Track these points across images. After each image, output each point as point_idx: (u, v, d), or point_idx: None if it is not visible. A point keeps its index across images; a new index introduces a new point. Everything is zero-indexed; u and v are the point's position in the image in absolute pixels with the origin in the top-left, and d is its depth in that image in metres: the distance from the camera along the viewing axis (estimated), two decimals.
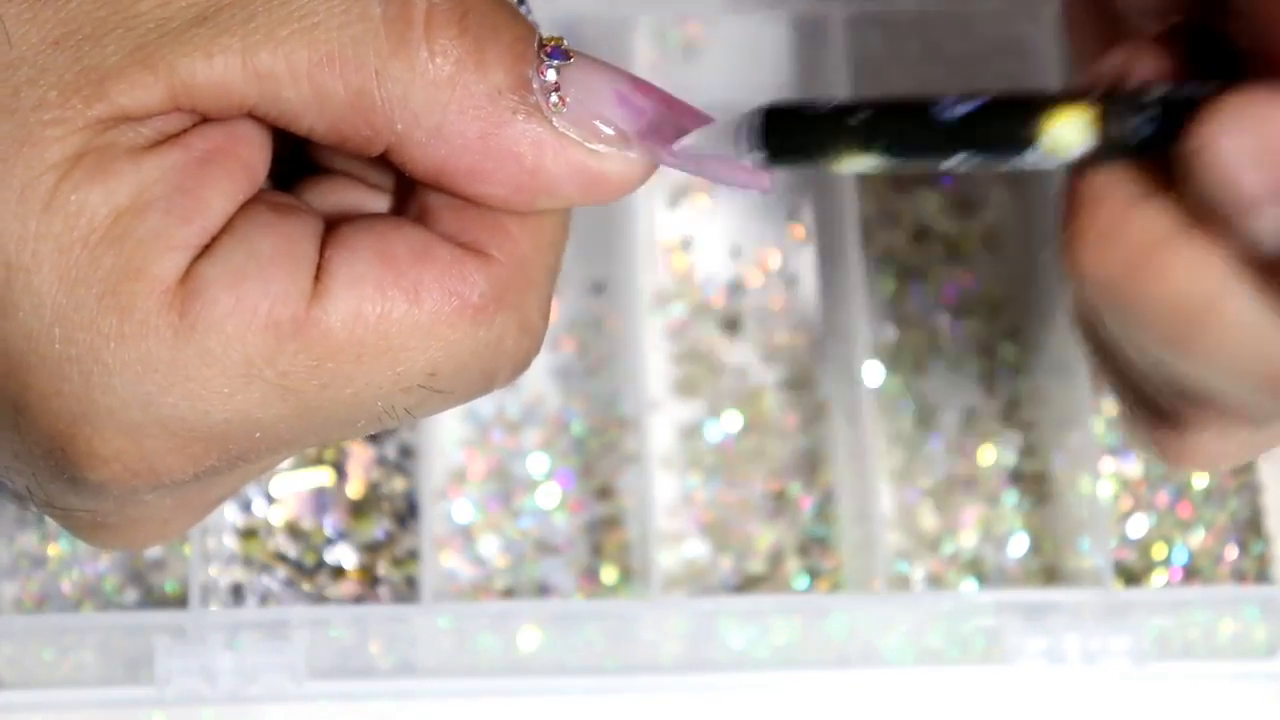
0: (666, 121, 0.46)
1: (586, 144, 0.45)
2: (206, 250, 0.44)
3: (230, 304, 0.43)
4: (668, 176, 0.78)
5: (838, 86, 0.75)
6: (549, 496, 0.73)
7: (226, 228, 0.44)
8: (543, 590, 0.72)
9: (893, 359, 0.75)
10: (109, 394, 0.43)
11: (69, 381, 0.43)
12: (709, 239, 0.77)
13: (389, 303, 0.44)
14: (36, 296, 0.43)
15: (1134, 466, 0.73)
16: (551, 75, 0.45)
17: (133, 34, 0.44)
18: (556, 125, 0.45)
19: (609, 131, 0.45)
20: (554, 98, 0.45)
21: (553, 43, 0.45)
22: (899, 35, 0.77)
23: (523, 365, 0.47)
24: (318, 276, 0.44)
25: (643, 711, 0.70)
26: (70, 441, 0.44)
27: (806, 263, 0.77)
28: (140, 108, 0.44)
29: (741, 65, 0.78)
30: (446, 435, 0.74)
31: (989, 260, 0.77)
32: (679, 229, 0.78)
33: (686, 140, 0.46)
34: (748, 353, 0.76)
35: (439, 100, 0.44)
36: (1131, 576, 0.72)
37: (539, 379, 0.75)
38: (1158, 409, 0.47)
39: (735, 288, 0.77)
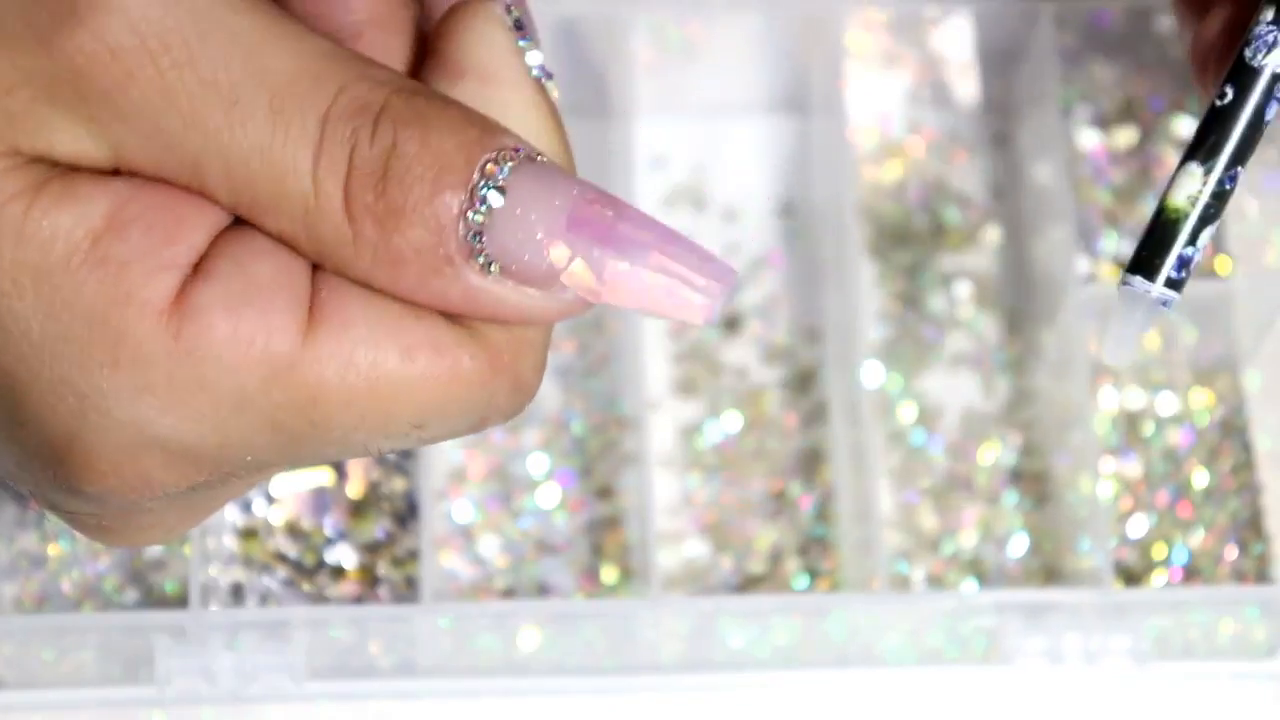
0: (598, 257, 0.44)
1: (515, 288, 0.44)
2: (200, 271, 0.43)
3: (228, 331, 0.43)
4: (668, 177, 0.78)
5: (838, 86, 0.75)
6: (549, 496, 0.73)
7: (220, 251, 0.43)
8: (543, 590, 0.72)
9: (893, 359, 0.75)
10: (105, 415, 0.43)
11: (64, 401, 0.43)
12: (708, 238, 0.77)
13: (382, 353, 0.43)
14: (23, 323, 0.43)
15: (1134, 466, 0.73)
16: (479, 218, 0.43)
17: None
18: (479, 279, 0.43)
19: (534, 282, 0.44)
20: (478, 245, 0.43)
21: (487, 175, 0.43)
22: (899, 35, 0.77)
23: (514, 415, 0.46)
24: (311, 312, 0.43)
25: (643, 711, 0.70)
26: (68, 456, 0.44)
27: (806, 262, 0.77)
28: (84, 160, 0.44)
29: (741, 65, 0.78)
30: None
31: (990, 260, 0.77)
32: (679, 228, 0.77)
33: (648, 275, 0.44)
34: (748, 353, 0.76)
35: (362, 259, 0.44)
36: (1131, 576, 0.72)
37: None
38: None
39: (735, 287, 0.76)
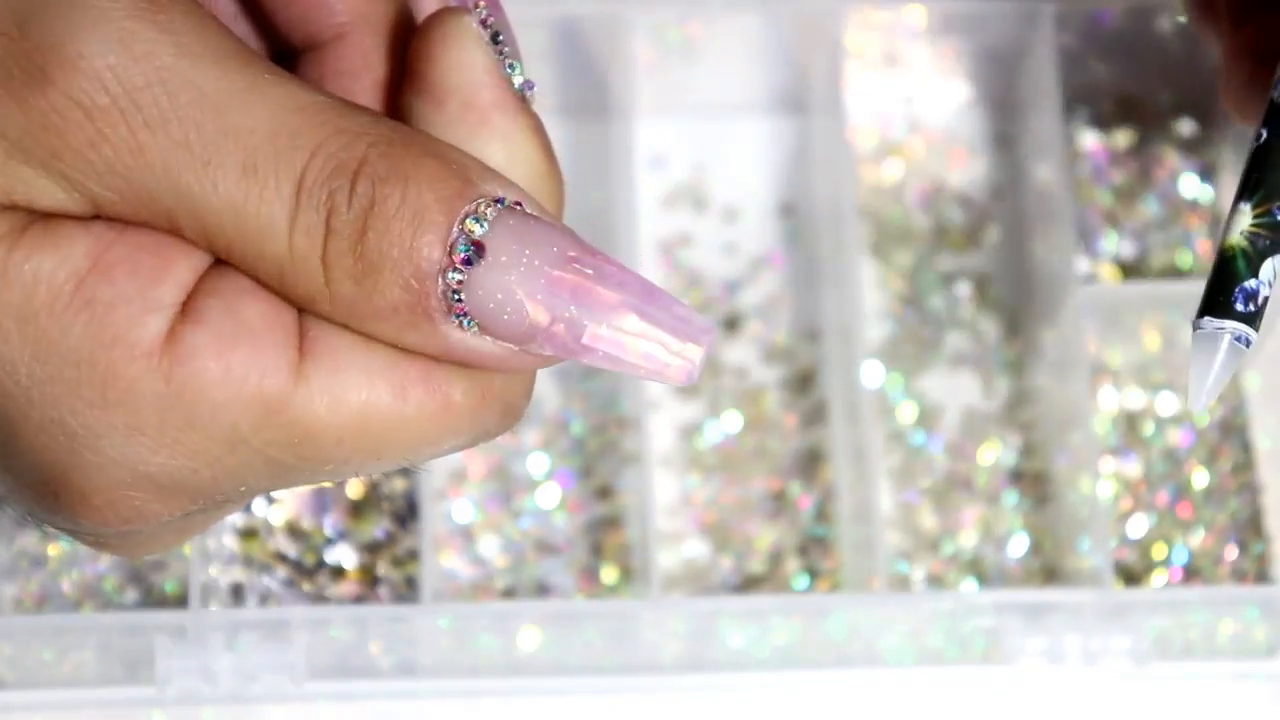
0: (577, 320, 0.43)
1: (494, 343, 0.44)
2: (189, 312, 0.43)
3: (219, 373, 0.43)
4: (668, 177, 0.78)
5: (838, 86, 0.75)
6: (549, 496, 0.73)
7: (208, 289, 0.43)
8: (543, 590, 0.72)
9: (893, 359, 0.75)
10: (97, 453, 0.43)
11: (54, 440, 0.43)
12: (708, 238, 0.77)
13: (374, 392, 0.43)
14: (9, 366, 0.43)
15: (1134, 466, 0.73)
16: (457, 277, 0.43)
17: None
18: (458, 334, 0.43)
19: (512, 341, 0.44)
20: (456, 304, 0.43)
21: (465, 232, 0.43)
22: (899, 34, 0.77)
23: (498, 435, 0.46)
24: (301, 352, 0.43)
25: (643, 711, 0.70)
26: (61, 492, 0.44)
27: (806, 262, 0.77)
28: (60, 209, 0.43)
29: (741, 65, 0.78)
30: None
31: (990, 260, 0.77)
32: (679, 228, 0.78)
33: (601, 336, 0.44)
34: (748, 353, 0.76)
35: (339, 313, 0.43)
36: (1131, 576, 0.72)
37: (539, 379, 0.74)
38: None
39: (735, 287, 0.77)
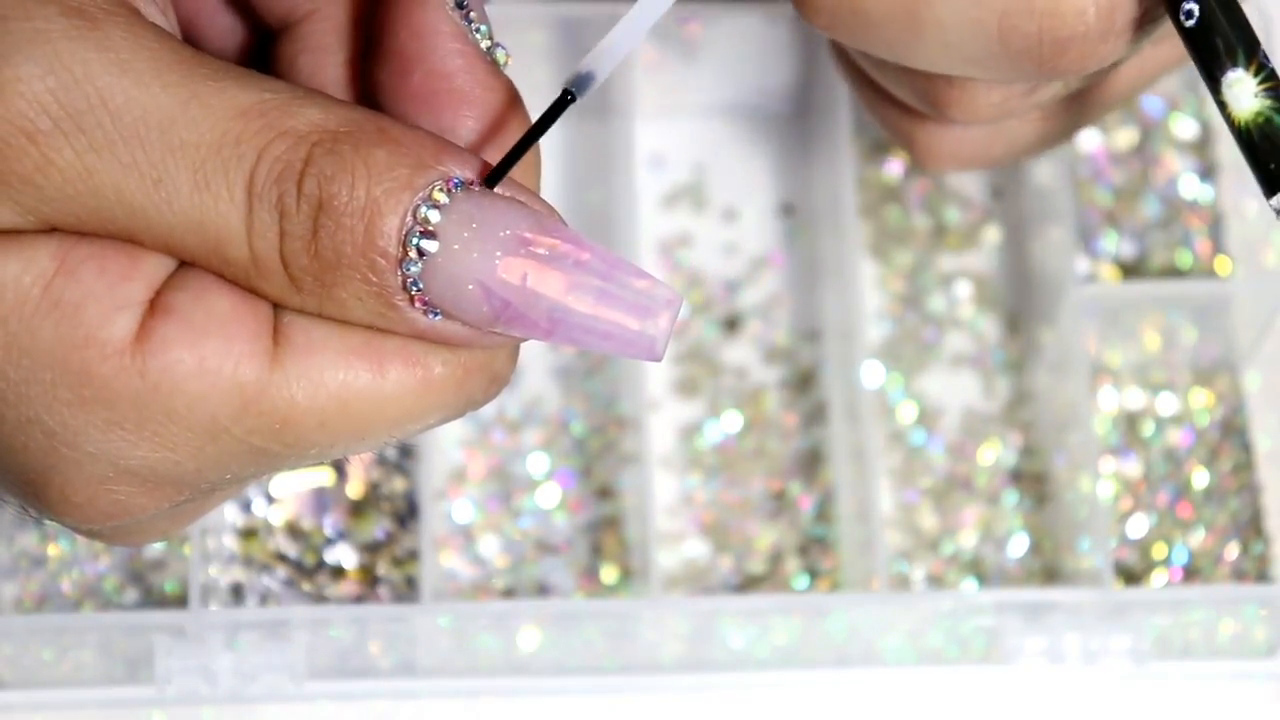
0: (533, 305, 0.43)
1: (461, 326, 0.43)
2: (159, 307, 0.43)
3: (194, 364, 0.42)
4: (668, 177, 0.78)
5: (837, 86, 0.75)
6: (549, 496, 0.73)
7: (177, 284, 0.43)
8: (543, 590, 0.72)
9: (893, 359, 0.75)
10: (76, 450, 0.43)
11: (34, 439, 0.43)
12: (708, 238, 0.77)
13: (351, 372, 0.43)
14: None
15: (1134, 466, 0.73)
16: (414, 269, 0.42)
17: None
18: (424, 320, 0.43)
19: (470, 321, 0.43)
20: (417, 293, 0.43)
21: (419, 221, 0.42)
22: None
23: (486, 404, 0.46)
24: (275, 338, 0.43)
25: (643, 711, 0.70)
26: (43, 491, 0.44)
27: (806, 262, 0.77)
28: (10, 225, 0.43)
29: (741, 65, 0.78)
30: (446, 435, 0.73)
31: (990, 260, 0.77)
32: (679, 228, 0.78)
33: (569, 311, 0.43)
34: (748, 353, 0.76)
35: (309, 307, 0.43)
36: (1131, 576, 0.72)
37: (539, 379, 0.75)
38: (911, 110, 0.51)
39: (735, 287, 0.77)
